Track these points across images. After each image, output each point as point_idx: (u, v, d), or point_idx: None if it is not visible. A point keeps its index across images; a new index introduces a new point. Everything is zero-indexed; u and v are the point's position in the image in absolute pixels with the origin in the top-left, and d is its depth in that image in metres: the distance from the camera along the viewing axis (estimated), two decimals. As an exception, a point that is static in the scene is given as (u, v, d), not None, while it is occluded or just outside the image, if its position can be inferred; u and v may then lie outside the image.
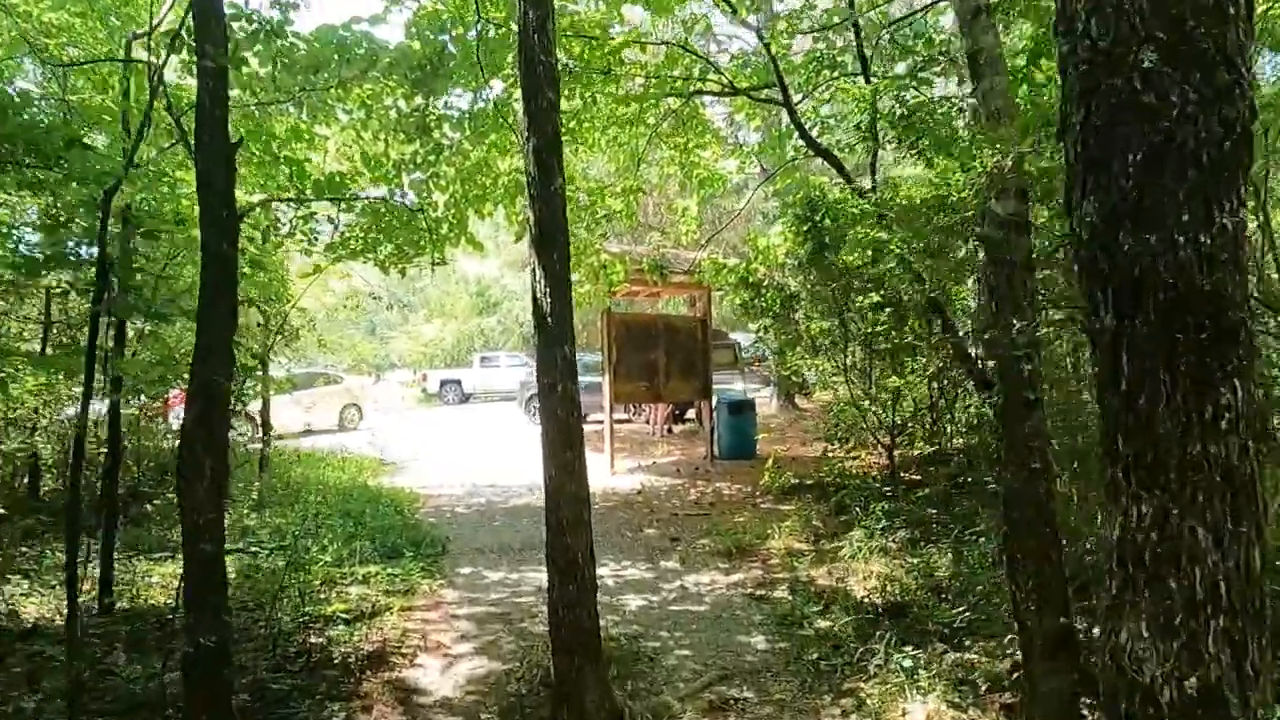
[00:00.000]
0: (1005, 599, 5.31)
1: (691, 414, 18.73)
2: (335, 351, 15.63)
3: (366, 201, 7.13)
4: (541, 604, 6.02)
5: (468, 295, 32.59)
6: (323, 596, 6.12)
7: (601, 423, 19.96)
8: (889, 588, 5.82)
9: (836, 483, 9.82)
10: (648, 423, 18.81)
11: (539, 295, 4.16)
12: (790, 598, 5.97)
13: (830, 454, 10.36)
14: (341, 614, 5.65)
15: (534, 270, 4.20)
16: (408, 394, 33.54)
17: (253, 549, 7.32)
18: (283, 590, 5.61)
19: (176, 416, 12.38)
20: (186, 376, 10.14)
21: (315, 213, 7.15)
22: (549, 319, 4.09)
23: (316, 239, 7.61)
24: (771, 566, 6.82)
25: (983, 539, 6.20)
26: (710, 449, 13.46)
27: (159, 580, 6.78)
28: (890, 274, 9.56)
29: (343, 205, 6.82)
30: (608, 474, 12.00)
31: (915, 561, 6.25)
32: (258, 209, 6.01)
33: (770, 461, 10.45)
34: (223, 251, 3.32)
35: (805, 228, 9.79)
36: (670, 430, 17.71)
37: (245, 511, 8.78)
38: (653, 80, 9.73)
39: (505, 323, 21.72)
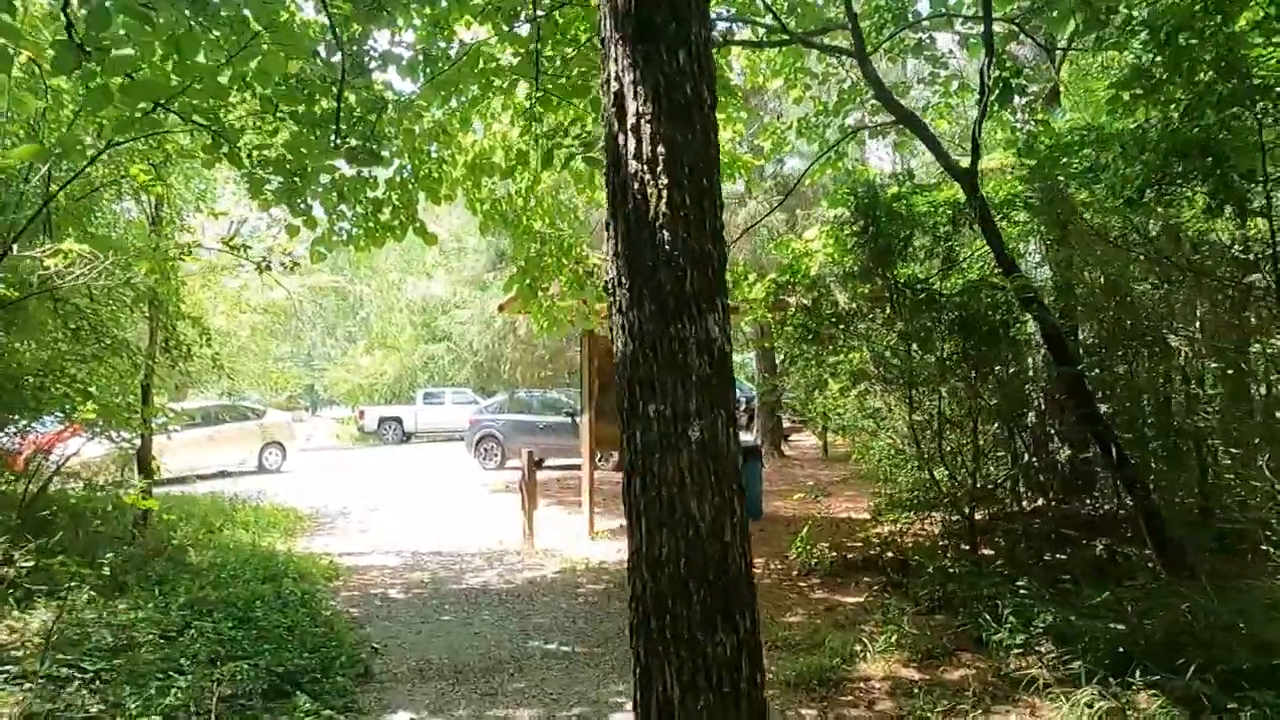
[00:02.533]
0: None
1: (667, 461, 16.33)
2: (238, 377, 12.93)
3: None
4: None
5: (412, 326, 29.87)
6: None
7: (562, 469, 17.54)
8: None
9: (897, 560, 7.51)
10: (619, 470, 16.35)
11: (628, 170, 1.77)
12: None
13: (889, 519, 8.07)
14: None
15: (617, 94, 1.80)
16: (342, 432, 30.67)
17: (63, 670, 4.70)
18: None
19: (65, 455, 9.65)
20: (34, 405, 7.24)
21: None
22: (663, 236, 1.73)
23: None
24: (885, 716, 4.41)
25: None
26: (706, 506, 11.04)
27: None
28: (971, 288, 7.38)
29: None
30: (586, 539, 9.52)
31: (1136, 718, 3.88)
32: None
33: (805, 531, 8.09)
34: None
35: (857, 228, 7.57)
36: (646, 480, 15.25)
37: (84, 600, 6.11)
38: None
39: (457, 349, 19.00)
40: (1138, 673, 4.33)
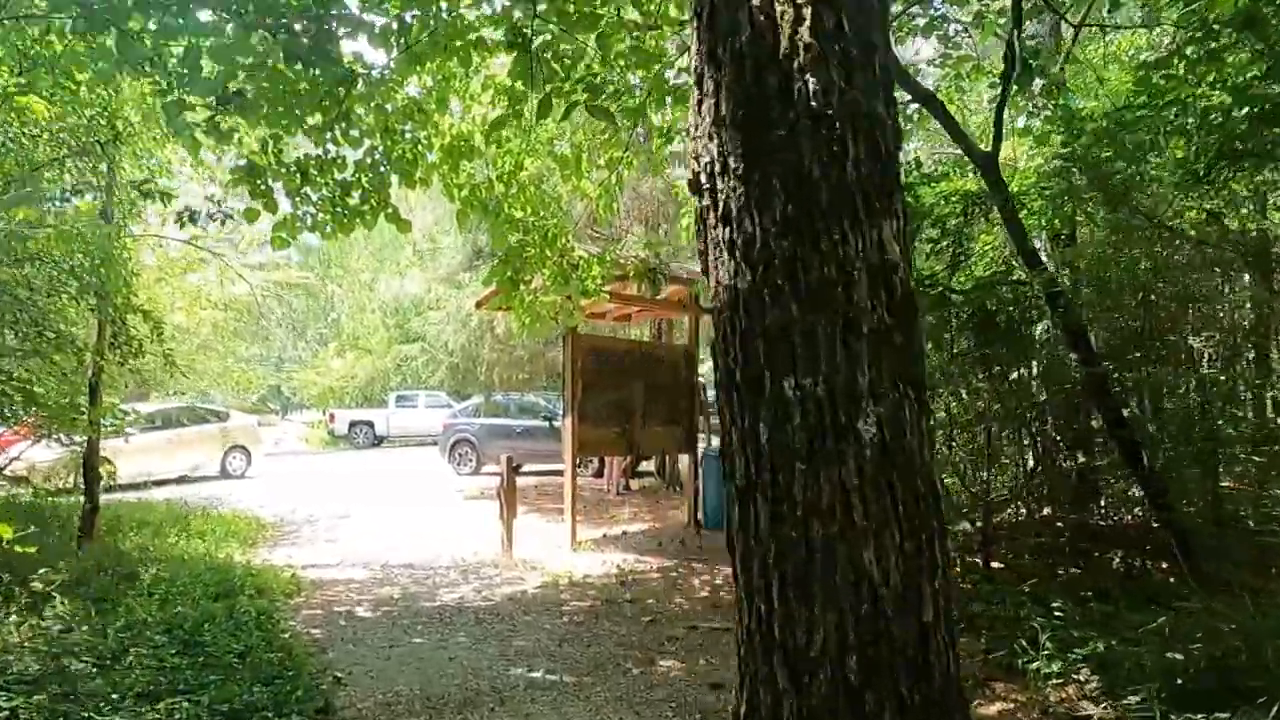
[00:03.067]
0: None
1: (648, 464, 15.81)
2: (198, 377, 12.24)
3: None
4: None
5: (385, 327, 29.09)
6: None
7: (540, 475, 16.85)
8: None
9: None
10: (598, 475, 15.81)
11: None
12: None
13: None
14: None
15: None
16: (311, 435, 29.92)
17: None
18: None
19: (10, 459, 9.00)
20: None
21: None
22: (806, 84, 1.13)
23: None
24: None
25: None
26: (693, 515, 10.52)
27: None
28: (985, 284, 6.93)
29: None
30: (568, 550, 8.95)
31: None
32: None
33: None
34: None
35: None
36: (628, 486, 14.73)
37: (16, 619, 5.48)
38: None
39: (431, 350, 18.25)
40: (1202, 708, 3.85)
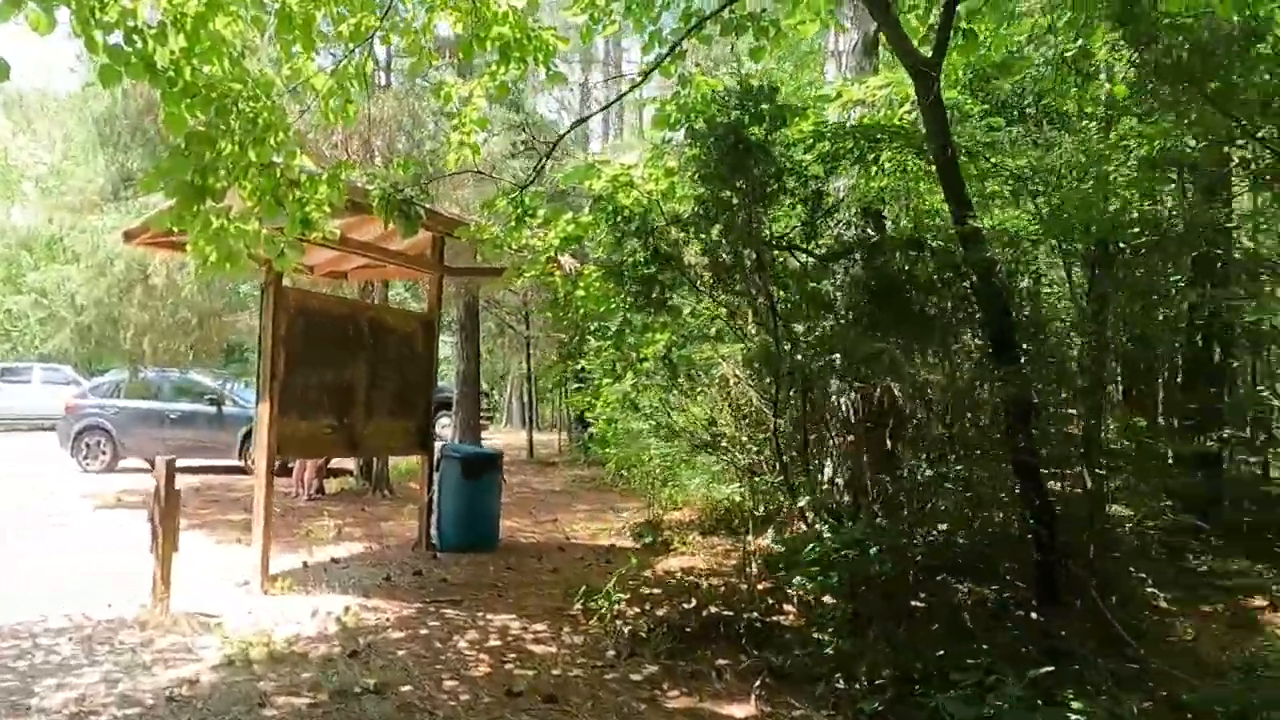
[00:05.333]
0: None
1: (345, 462, 13.09)
2: None
3: None
4: None
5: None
6: None
7: (201, 473, 13.25)
8: None
9: (750, 622, 5.34)
10: (283, 474, 12.78)
11: None
12: None
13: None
14: None
15: None
16: None
17: None
18: None
19: None
20: None
21: None
22: None
23: None
24: None
25: None
26: (424, 532, 8.21)
27: None
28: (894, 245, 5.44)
29: None
30: (258, 592, 6.27)
31: None
32: None
33: (613, 584, 5.66)
34: None
35: (709, 155, 5.36)
36: (321, 489, 11.93)
37: None
38: None
39: (50, 305, 13.56)
40: None
